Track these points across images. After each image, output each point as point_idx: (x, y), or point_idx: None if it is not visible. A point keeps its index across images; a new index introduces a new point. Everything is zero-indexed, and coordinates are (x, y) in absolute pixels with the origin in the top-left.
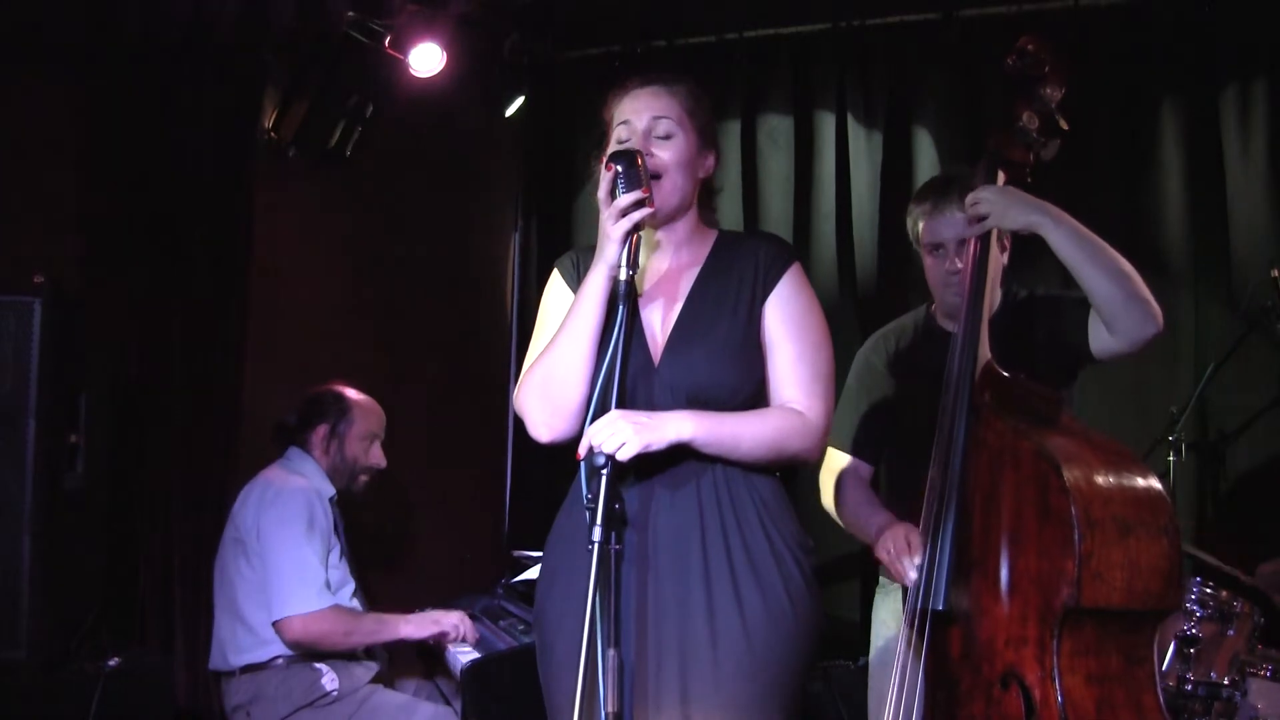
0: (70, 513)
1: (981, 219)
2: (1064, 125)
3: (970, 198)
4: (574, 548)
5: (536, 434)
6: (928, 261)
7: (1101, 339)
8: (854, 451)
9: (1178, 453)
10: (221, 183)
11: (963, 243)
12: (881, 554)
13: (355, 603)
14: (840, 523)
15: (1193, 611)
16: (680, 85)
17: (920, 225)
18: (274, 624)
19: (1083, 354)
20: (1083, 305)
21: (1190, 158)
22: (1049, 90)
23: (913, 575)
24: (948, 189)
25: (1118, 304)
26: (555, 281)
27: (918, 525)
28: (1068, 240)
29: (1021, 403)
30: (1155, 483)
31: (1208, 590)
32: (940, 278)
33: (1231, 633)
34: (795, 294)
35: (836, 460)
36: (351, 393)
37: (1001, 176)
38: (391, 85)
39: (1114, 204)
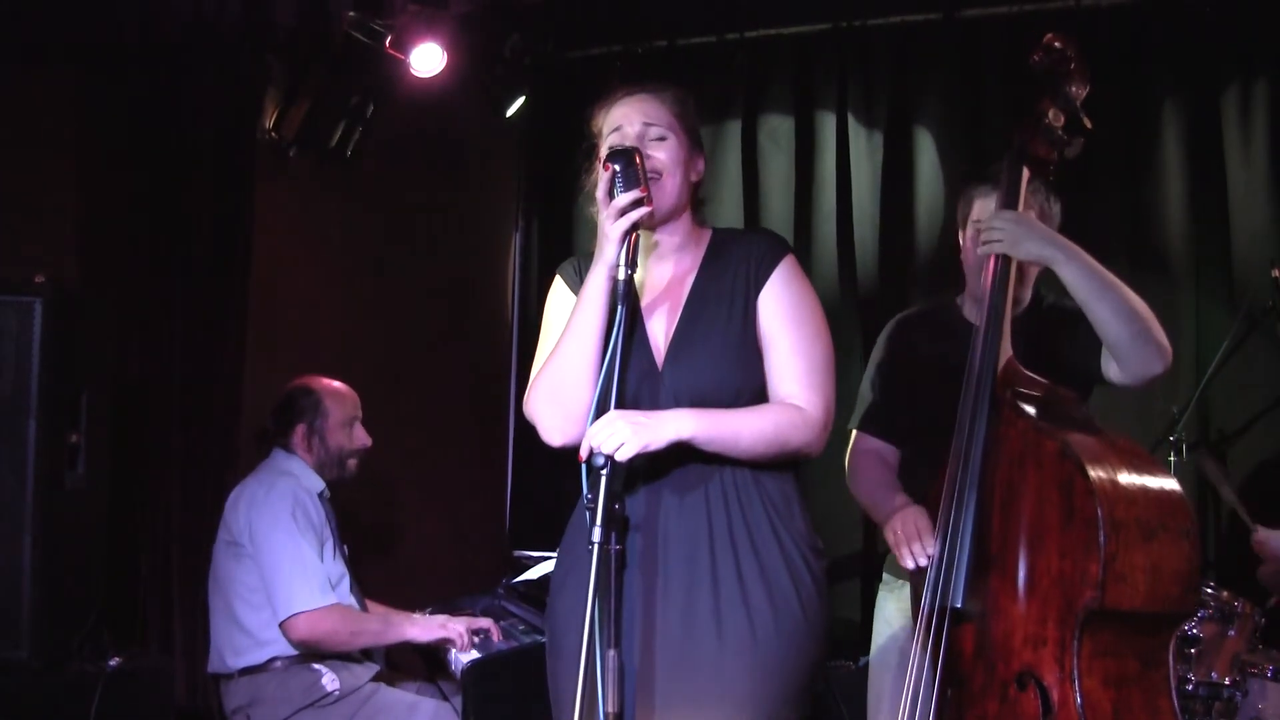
0: (71, 512)
1: (992, 242)
2: (1088, 123)
3: (986, 221)
4: (583, 551)
5: (549, 439)
6: (968, 244)
7: (1111, 369)
8: (878, 433)
9: (1178, 453)
10: (221, 183)
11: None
12: (889, 535)
13: (352, 598)
14: (859, 502)
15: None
16: (667, 91)
17: (974, 204)
18: (280, 624)
19: (1094, 376)
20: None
21: (1191, 158)
22: (1074, 88)
23: (921, 561)
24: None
25: (1125, 342)
26: (558, 287)
27: (933, 522)
28: (1079, 276)
29: (1043, 402)
30: (1176, 486)
31: (1208, 590)
32: (979, 259)
33: (1232, 633)
34: (787, 286)
35: (859, 442)
36: (320, 383)
37: (1026, 173)
38: (392, 85)
39: (1115, 204)
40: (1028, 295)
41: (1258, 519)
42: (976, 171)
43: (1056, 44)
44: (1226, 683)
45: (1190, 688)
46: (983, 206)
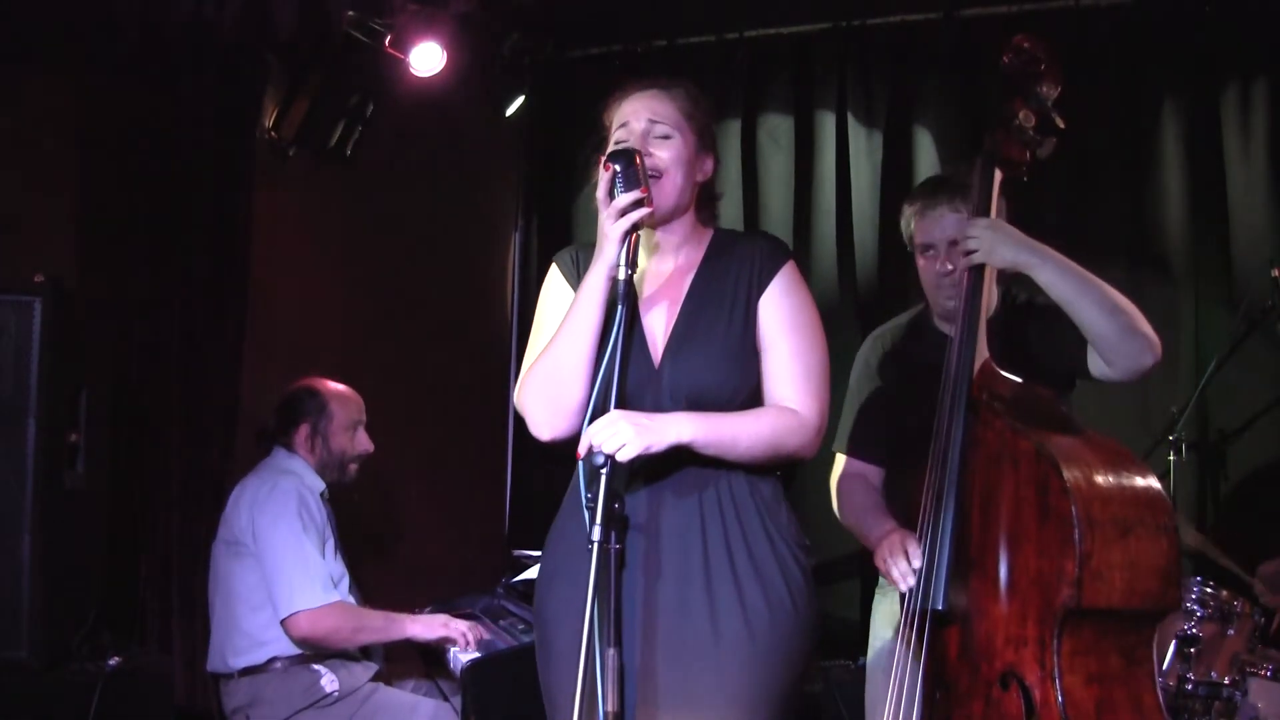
0: (70, 512)
1: (969, 253)
2: (1060, 123)
3: (965, 231)
4: (573, 547)
5: (537, 432)
6: (920, 262)
7: (1099, 366)
8: (861, 455)
9: (1178, 452)
10: (221, 183)
11: (953, 243)
12: (878, 562)
13: (351, 597)
14: (846, 527)
15: (1193, 611)
16: (679, 88)
17: (912, 225)
18: (282, 621)
19: (1080, 373)
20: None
21: (1191, 158)
22: (1045, 88)
23: (910, 581)
24: (937, 190)
25: (1112, 339)
26: (554, 277)
27: (914, 527)
28: (1059, 279)
29: (1020, 402)
30: (1154, 482)
31: (1208, 590)
32: (932, 279)
33: (1232, 632)
34: (788, 292)
35: (843, 465)
36: (325, 385)
37: (999, 175)
38: (392, 85)
39: (1115, 204)
40: (995, 296)
41: (1257, 520)
42: (919, 187)
43: (1025, 45)
44: (1226, 682)
45: (1190, 687)
46: (922, 227)
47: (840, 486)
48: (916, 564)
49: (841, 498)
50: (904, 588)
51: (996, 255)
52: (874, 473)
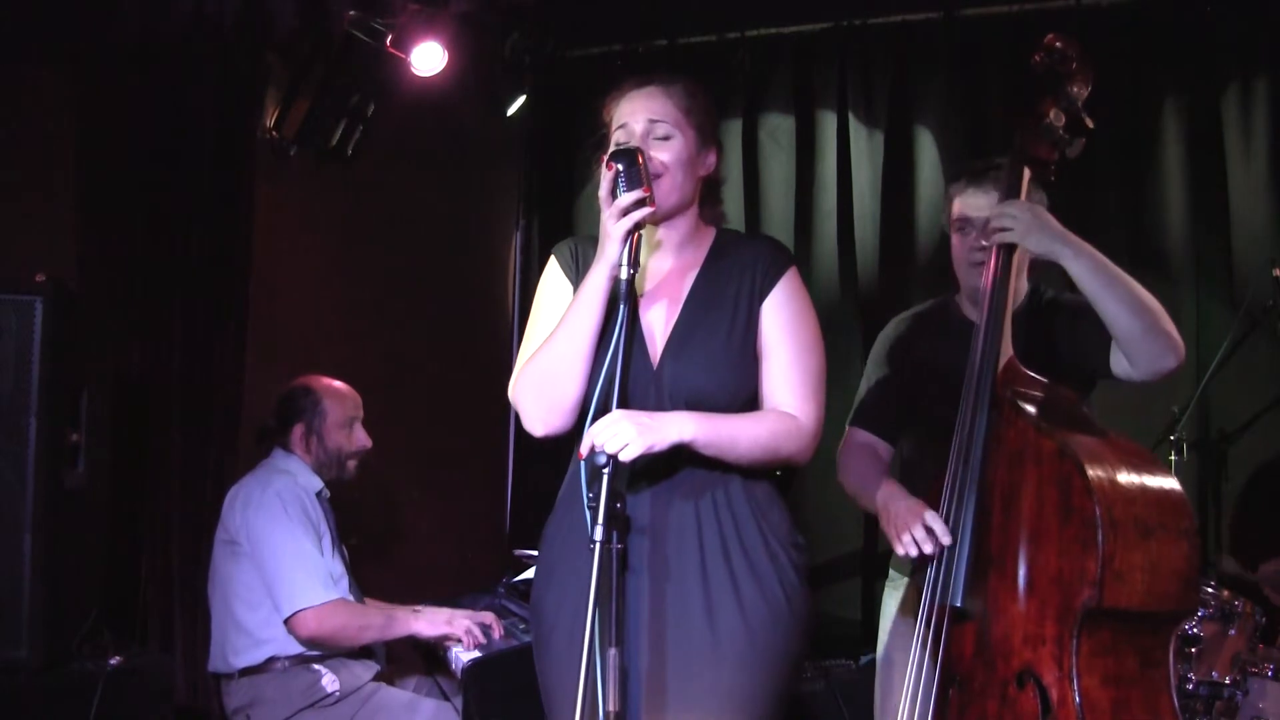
0: (71, 511)
1: (1003, 230)
2: (1089, 124)
3: (998, 208)
4: (571, 542)
5: (531, 427)
6: (954, 240)
7: (1121, 365)
8: (870, 429)
9: (1179, 452)
10: (221, 182)
11: (988, 222)
12: (889, 529)
13: (351, 596)
14: (847, 492)
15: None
16: (676, 85)
17: (954, 203)
18: (287, 621)
19: (1101, 373)
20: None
21: (1191, 158)
22: (1075, 88)
23: (927, 549)
24: (985, 171)
25: (1136, 337)
26: (553, 270)
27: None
28: (1088, 272)
29: (1043, 401)
30: (1176, 485)
31: (1209, 590)
32: (965, 255)
33: (1233, 632)
34: (790, 298)
35: (852, 436)
36: (319, 383)
37: (1027, 173)
38: (393, 84)
39: (1115, 204)
40: (1025, 286)
41: (1258, 520)
42: (962, 167)
43: (1058, 44)
44: (1227, 682)
45: (1191, 687)
46: (963, 204)
47: (845, 453)
48: (945, 538)
49: (845, 463)
50: (908, 552)
51: (1031, 239)
52: (882, 446)
